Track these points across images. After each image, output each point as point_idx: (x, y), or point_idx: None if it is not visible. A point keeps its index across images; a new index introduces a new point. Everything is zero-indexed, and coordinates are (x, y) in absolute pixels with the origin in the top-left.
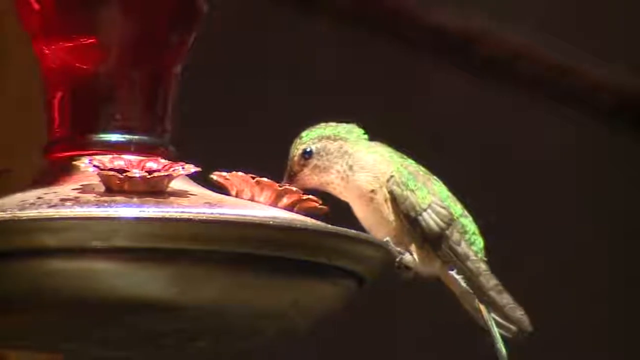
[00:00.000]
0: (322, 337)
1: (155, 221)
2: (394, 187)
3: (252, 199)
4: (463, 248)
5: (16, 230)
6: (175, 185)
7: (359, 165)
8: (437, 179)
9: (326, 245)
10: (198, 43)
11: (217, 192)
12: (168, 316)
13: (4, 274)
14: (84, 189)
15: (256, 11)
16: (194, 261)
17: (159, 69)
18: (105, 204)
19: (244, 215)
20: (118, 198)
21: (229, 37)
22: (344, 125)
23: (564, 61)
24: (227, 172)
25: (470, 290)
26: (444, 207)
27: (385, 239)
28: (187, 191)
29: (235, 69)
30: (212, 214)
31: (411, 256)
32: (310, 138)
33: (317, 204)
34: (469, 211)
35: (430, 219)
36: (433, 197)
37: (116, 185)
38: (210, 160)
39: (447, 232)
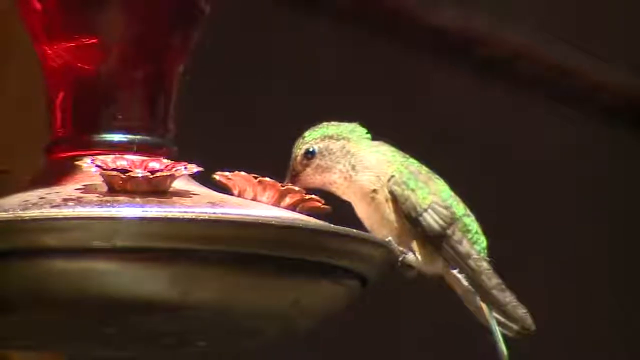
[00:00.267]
0: (326, 337)
1: (158, 221)
2: (395, 187)
3: (254, 199)
4: (465, 247)
5: (19, 230)
6: (177, 185)
7: (362, 165)
8: (439, 178)
9: (328, 245)
10: (200, 43)
11: (219, 191)
12: (170, 316)
13: (6, 274)
14: (87, 189)
15: (257, 11)
16: (196, 261)
17: (162, 68)
18: (108, 204)
19: (247, 215)
20: (121, 198)
21: (230, 37)
22: (347, 124)
23: (564, 61)
24: (230, 171)
25: (472, 289)
26: (445, 207)
27: (387, 239)
28: (189, 191)
29: (236, 69)
30: (214, 213)
31: (413, 255)
32: (313, 138)
33: (319, 204)
34: (471, 210)
35: (431, 219)
36: (434, 197)
37: (119, 185)
38: (212, 160)
39: (449, 231)
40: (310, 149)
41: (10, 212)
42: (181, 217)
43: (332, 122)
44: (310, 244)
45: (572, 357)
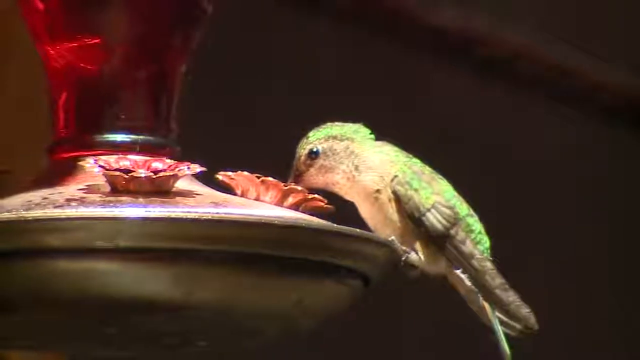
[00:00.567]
0: (328, 337)
1: (160, 221)
2: (398, 187)
3: (257, 199)
4: (468, 247)
5: (22, 231)
6: (180, 185)
7: (365, 166)
8: (443, 178)
9: (331, 244)
10: (201, 43)
11: (222, 191)
12: (172, 316)
13: (9, 274)
14: (90, 189)
15: (257, 12)
16: (199, 261)
17: (164, 68)
18: (111, 204)
19: (250, 215)
20: (124, 198)
21: (230, 37)
22: (351, 125)
23: (564, 61)
24: (233, 171)
25: (476, 289)
26: (448, 207)
27: (390, 238)
28: (192, 191)
29: (236, 69)
30: (217, 213)
31: (416, 255)
32: (317, 138)
33: (322, 204)
34: (474, 210)
35: (434, 219)
36: (437, 197)
37: (122, 186)
38: (212, 159)
39: (452, 231)
40: (314, 149)
41: (14, 213)
42: (184, 217)
43: (336, 123)
44: (313, 244)
45: (572, 357)
